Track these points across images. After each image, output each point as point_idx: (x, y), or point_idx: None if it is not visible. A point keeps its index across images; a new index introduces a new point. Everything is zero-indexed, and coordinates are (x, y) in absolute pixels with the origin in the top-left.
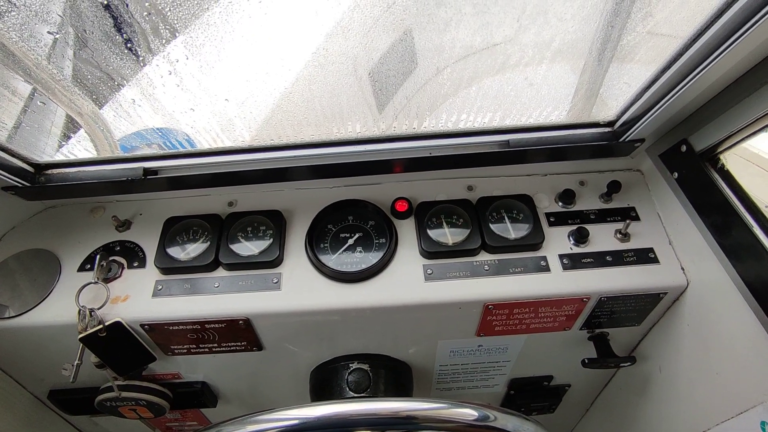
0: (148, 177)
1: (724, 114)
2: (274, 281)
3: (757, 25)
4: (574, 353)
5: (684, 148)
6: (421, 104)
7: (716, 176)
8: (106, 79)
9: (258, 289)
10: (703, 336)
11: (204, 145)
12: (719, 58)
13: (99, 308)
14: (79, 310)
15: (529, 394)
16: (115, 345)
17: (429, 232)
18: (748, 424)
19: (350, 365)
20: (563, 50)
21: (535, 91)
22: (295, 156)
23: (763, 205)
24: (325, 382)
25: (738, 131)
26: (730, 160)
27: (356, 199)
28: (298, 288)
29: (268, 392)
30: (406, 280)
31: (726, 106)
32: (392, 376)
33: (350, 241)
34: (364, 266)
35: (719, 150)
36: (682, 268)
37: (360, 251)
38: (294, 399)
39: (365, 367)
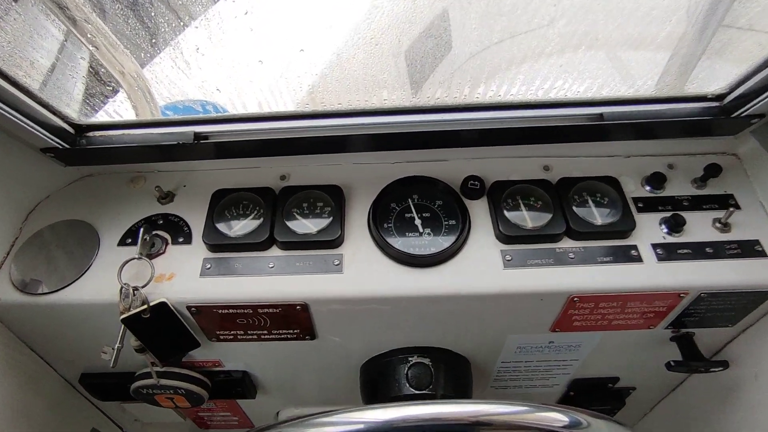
0: (201, 141)
1: None
2: (336, 263)
3: None
4: (650, 354)
5: None
6: (494, 68)
7: None
8: (151, 34)
9: (318, 272)
10: None
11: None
12: None
13: (143, 287)
14: (121, 288)
15: (591, 396)
16: (158, 328)
17: (506, 213)
18: None
19: (409, 359)
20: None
21: (623, 60)
22: (354, 124)
23: None
24: (379, 377)
25: None
26: None
27: (426, 176)
28: (363, 271)
29: (312, 383)
30: (484, 267)
31: None
32: (452, 372)
33: (417, 222)
34: (434, 249)
35: None
36: None
37: (429, 233)
38: (340, 392)
39: (426, 361)
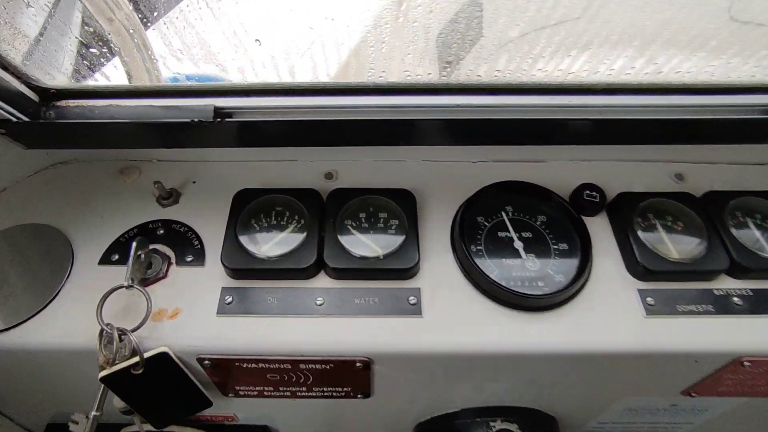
0: (224, 120)
1: None
2: (412, 301)
3: None
4: None
5: None
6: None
7: None
8: None
9: (387, 313)
10: None
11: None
12: None
13: (134, 329)
14: (102, 331)
15: None
16: (155, 386)
17: (642, 238)
18: None
19: (491, 424)
20: None
21: None
22: (425, 105)
23: None
24: None
25: None
26: None
27: (531, 183)
28: (450, 315)
29: None
30: (618, 314)
31: None
32: None
33: (518, 245)
34: (546, 287)
35: None
36: None
37: (533, 259)
38: None
39: (513, 428)
